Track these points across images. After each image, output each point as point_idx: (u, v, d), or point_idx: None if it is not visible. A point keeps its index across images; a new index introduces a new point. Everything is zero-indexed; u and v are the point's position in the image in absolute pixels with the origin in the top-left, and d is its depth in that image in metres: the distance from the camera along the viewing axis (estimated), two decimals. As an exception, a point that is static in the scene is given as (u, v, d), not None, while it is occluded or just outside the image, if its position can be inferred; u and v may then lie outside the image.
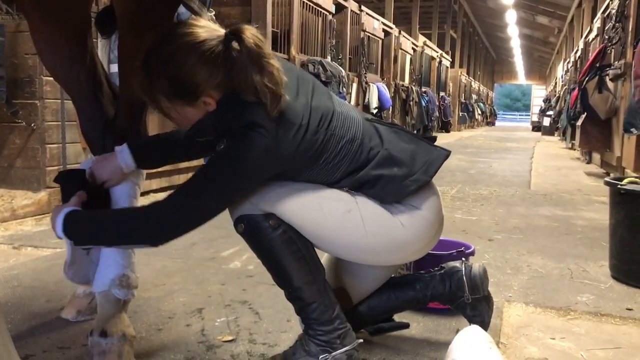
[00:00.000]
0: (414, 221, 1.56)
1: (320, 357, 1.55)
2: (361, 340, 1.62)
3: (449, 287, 1.75)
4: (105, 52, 3.96)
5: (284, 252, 1.53)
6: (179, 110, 1.49)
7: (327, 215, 1.52)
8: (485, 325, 1.74)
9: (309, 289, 1.55)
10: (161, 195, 4.42)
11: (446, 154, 1.65)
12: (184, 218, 1.46)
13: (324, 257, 1.72)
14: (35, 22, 1.74)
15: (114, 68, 3.80)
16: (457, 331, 1.74)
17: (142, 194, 1.89)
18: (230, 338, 1.84)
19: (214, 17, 4.92)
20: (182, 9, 1.82)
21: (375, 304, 1.75)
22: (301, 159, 1.49)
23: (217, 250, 2.95)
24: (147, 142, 1.81)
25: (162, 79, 1.43)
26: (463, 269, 1.76)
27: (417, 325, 1.96)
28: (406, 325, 1.86)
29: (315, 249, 1.59)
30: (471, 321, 1.75)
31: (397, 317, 1.87)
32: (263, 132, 1.40)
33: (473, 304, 1.75)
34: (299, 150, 1.46)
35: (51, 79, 3.59)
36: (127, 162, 1.72)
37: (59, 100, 3.77)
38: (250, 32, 1.43)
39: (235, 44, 1.43)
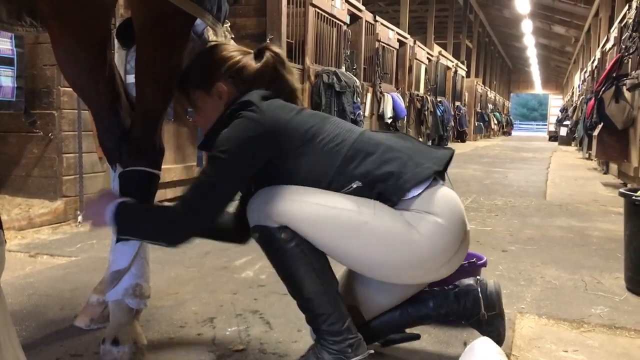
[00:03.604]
0: (431, 229, 1.50)
1: None
2: (372, 351, 1.62)
3: (464, 305, 1.73)
4: (121, 63, 4.02)
5: (295, 264, 1.54)
6: (201, 102, 1.70)
7: (343, 227, 1.51)
8: (501, 340, 1.73)
9: (320, 301, 1.55)
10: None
11: (453, 151, 1.67)
12: (199, 202, 1.52)
13: (340, 272, 1.72)
14: (56, 34, 1.77)
15: (131, 79, 3.85)
16: (465, 344, 1.73)
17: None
18: (241, 348, 1.85)
19: (229, 28, 4.98)
20: (198, 20, 1.85)
21: (388, 319, 1.74)
22: (296, 130, 1.55)
23: (230, 259, 2.97)
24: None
25: (191, 68, 1.73)
26: (478, 287, 1.74)
27: (428, 336, 1.95)
28: (417, 337, 1.85)
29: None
30: (487, 336, 1.73)
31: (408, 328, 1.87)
32: (254, 108, 1.56)
33: (489, 320, 1.73)
34: (292, 122, 1.57)
35: (69, 89, 3.65)
36: None
37: (76, 111, 3.82)
38: (276, 47, 1.74)
39: (268, 53, 1.71)
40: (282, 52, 1.73)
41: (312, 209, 1.52)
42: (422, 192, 1.53)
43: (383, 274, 1.60)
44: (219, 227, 1.79)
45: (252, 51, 1.74)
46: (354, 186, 1.53)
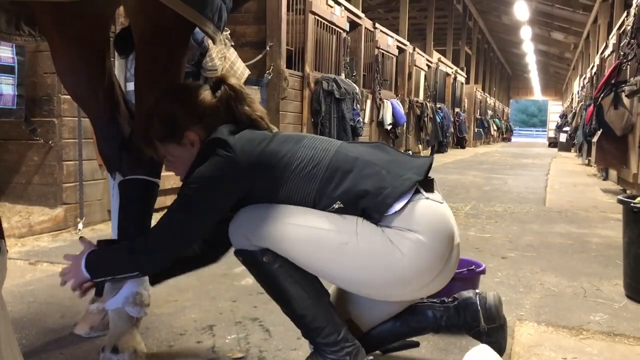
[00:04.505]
0: (413, 248, 1.47)
1: None
2: (371, 358, 1.62)
3: (464, 319, 1.73)
4: (122, 70, 4.04)
5: (283, 285, 1.56)
6: (172, 152, 1.68)
7: (323, 248, 1.51)
8: (502, 351, 1.73)
9: (312, 316, 1.56)
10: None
11: (432, 158, 1.65)
12: (166, 236, 1.56)
13: (332, 287, 1.72)
14: (55, 43, 1.78)
15: (130, 87, 3.87)
16: (464, 351, 1.73)
17: (157, 210, 1.92)
18: (240, 355, 1.85)
19: (229, 36, 5.00)
20: (197, 29, 1.86)
21: (387, 329, 1.73)
22: (269, 162, 1.54)
23: (229, 266, 2.97)
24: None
25: (154, 122, 1.66)
26: (477, 300, 1.73)
27: (427, 344, 1.96)
28: (416, 344, 1.86)
29: None
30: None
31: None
32: (225, 146, 1.54)
33: (489, 332, 1.73)
34: (264, 154, 1.55)
35: (69, 97, 3.65)
36: None
37: (76, 118, 3.83)
38: (234, 79, 1.72)
39: (223, 87, 1.68)
40: (237, 83, 1.70)
41: (292, 231, 1.52)
42: (405, 205, 1.49)
43: (368, 293, 1.60)
44: (189, 259, 1.81)
45: (208, 87, 1.71)
46: (336, 207, 1.52)
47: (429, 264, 1.50)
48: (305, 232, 1.51)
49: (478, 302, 1.73)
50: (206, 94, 1.68)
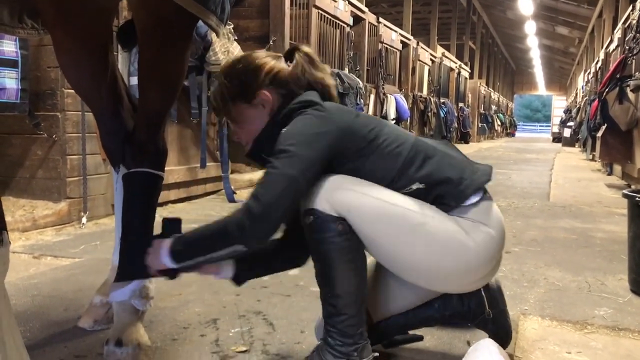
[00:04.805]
0: (485, 240, 1.54)
1: None
2: (377, 354, 1.61)
3: (468, 306, 1.73)
4: (125, 64, 4.04)
5: (337, 258, 1.51)
6: (243, 113, 1.67)
7: (400, 226, 1.50)
8: (508, 337, 1.75)
9: (348, 301, 1.52)
10: (180, 206, 4.47)
11: (491, 166, 1.69)
12: (273, 195, 1.43)
13: None
14: (58, 36, 1.78)
15: (134, 81, 3.87)
16: (469, 344, 1.73)
17: (160, 204, 1.91)
18: (244, 349, 1.85)
19: (232, 30, 4.99)
20: (200, 22, 1.86)
21: (393, 321, 1.74)
22: (360, 131, 1.55)
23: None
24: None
25: (227, 82, 1.68)
26: (481, 287, 1.73)
27: (431, 337, 1.95)
28: (420, 338, 1.85)
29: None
30: (495, 335, 1.73)
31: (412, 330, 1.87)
32: (319, 107, 1.57)
33: (494, 318, 1.73)
34: (355, 123, 1.56)
35: (72, 91, 3.66)
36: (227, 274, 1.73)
37: (80, 113, 3.83)
38: (305, 47, 1.74)
39: (297, 54, 1.70)
40: (311, 51, 1.73)
41: (373, 204, 1.50)
42: (479, 200, 1.56)
43: (427, 280, 1.59)
44: (272, 256, 1.75)
45: (281, 55, 1.73)
46: (414, 187, 1.54)
47: (493, 257, 1.57)
48: (386, 207, 1.50)
49: (482, 289, 1.73)
50: (277, 60, 1.70)
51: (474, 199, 1.55)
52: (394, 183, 1.55)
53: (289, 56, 1.72)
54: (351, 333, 1.53)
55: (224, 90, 1.69)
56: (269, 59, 1.69)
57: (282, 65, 1.69)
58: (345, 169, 1.55)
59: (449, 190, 1.54)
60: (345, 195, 1.50)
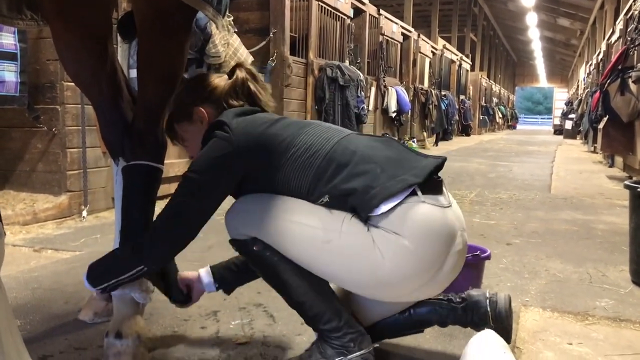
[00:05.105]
0: (396, 252, 1.42)
1: (336, 359, 1.55)
2: (377, 345, 1.61)
3: (471, 319, 1.69)
4: (124, 57, 4.02)
5: (277, 271, 1.55)
6: (186, 130, 1.75)
7: (308, 245, 1.49)
8: (509, 338, 1.70)
9: (311, 302, 1.54)
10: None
11: (440, 159, 1.55)
12: (169, 224, 1.55)
13: None
14: (57, 28, 1.77)
15: (133, 73, 3.85)
16: (469, 336, 1.72)
17: (161, 198, 1.91)
18: (244, 341, 1.85)
19: (232, 22, 4.96)
20: (200, 14, 1.84)
21: (390, 322, 1.71)
22: (269, 145, 1.54)
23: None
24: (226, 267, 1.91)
25: (173, 106, 1.77)
26: (487, 304, 1.67)
27: (432, 329, 1.94)
28: (420, 330, 1.85)
29: None
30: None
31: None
32: (225, 127, 1.56)
33: (496, 329, 1.70)
34: (263, 137, 1.55)
35: (72, 84, 3.65)
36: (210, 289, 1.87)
37: (80, 105, 3.82)
38: (249, 66, 1.81)
39: (238, 69, 1.77)
40: (253, 69, 1.79)
41: (278, 224, 1.51)
42: (395, 207, 1.43)
43: (357, 292, 1.60)
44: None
45: (225, 75, 1.79)
46: (324, 201, 1.50)
47: (414, 270, 1.45)
48: (291, 226, 1.50)
49: (488, 305, 1.67)
50: (218, 77, 1.75)
51: (384, 208, 1.42)
52: (309, 195, 1.52)
53: (231, 73, 1.77)
54: (334, 326, 1.54)
55: (170, 115, 1.77)
56: (208, 79, 1.75)
57: (219, 82, 1.73)
58: (261, 182, 1.57)
59: (356, 202, 1.45)
60: (252, 221, 1.54)
